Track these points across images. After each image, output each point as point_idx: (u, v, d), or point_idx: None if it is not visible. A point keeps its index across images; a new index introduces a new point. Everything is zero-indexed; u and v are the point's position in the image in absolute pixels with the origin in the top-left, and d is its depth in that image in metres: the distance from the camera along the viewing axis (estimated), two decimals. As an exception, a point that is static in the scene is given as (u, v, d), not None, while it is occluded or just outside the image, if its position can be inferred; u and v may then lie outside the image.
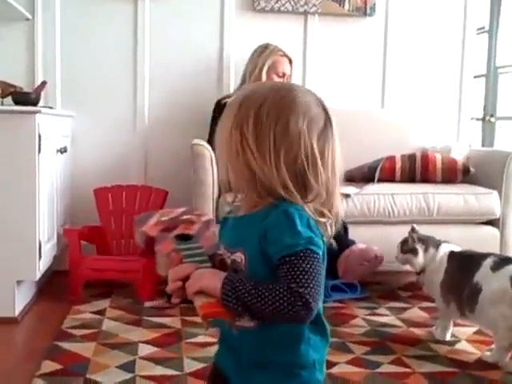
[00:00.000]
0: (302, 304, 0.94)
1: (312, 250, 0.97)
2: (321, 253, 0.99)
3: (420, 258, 2.45)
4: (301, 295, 0.94)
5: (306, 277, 0.95)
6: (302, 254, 0.97)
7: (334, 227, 1.07)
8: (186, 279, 1.02)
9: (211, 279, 0.99)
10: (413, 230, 2.50)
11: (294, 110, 1.03)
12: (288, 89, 1.07)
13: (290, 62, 3.28)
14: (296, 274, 0.95)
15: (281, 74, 3.23)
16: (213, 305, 0.98)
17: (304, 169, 1.02)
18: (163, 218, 1.17)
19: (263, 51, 3.24)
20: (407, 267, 2.79)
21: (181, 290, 1.04)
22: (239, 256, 1.04)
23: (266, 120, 1.03)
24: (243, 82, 3.25)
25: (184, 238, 1.12)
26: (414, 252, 2.45)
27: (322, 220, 1.05)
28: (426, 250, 2.44)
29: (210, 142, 2.97)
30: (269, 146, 1.02)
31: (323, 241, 1.02)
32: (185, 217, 1.18)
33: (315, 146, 1.04)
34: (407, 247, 2.48)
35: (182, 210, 1.21)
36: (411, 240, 2.47)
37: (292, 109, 1.03)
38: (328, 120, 1.07)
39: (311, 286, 0.95)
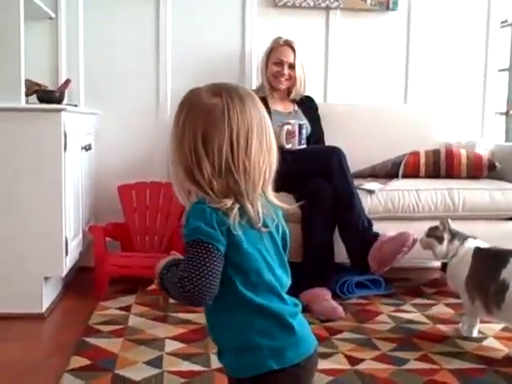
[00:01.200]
0: (180, 286, 1.06)
1: (196, 239, 1.06)
2: (209, 240, 1.06)
3: (443, 247, 2.44)
4: (180, 278, 1.06)
5: (187, 263, 1.06)
6: (190, 243, 1.07)
7: (251, 209, 1.12)
8: None
9: (161, 261, 1.17)
10: (446, 221, 2.48)
11: (182, 110, 1.16)
12: (191, 90, 1.21)
13: (294, 50, 3.19)
14: (184, 260, 1.08)
15: (277, 61, 3.17)
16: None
17: (190, 165, 1.12)
18: None
19: (269, 44, 3.24)
20: (432, 263, 2.79)
21: None
22: None
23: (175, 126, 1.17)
24: (262, 77, 3.26)
25: None
26: (440, 239, 2.45)
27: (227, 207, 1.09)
28: (450, 241, 2.42)
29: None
30: (174, 149, 1.16)
31: (225, 228, 1.08)
32: None
33: (198, 139, 1.11)
34: (434, 233, 2.47)
35: None
36: (442, 227, 2.45)
37: (181, 110, 1.16)
38: (225, 107, 1.12)
39: (189, 270, 1.05)
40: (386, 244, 2.62)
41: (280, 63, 3.17)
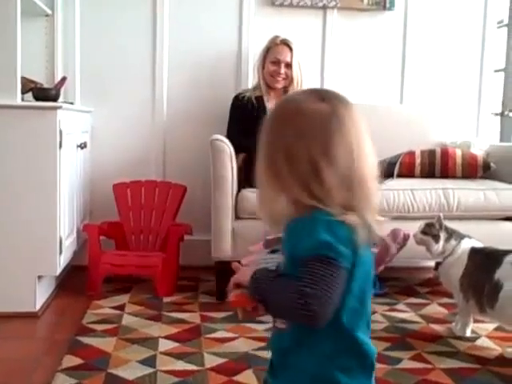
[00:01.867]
0: (302, 303, 0.94)
1: (327, 255, 0.96)
2: (341, 259, 0.96)
3: (439, 246, 2.44)
4: (302, 293, 0.94)
5: (314, 279, 0.95)
6: (316, 257, 0.96)
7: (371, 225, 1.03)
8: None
9: (247, 273, 1.05)
10: (441, 219, 2.48)
11: (287, 120, 1.04)
12: (289, 99, 1.12)
13: (291, 49, 3.17)
14: (306, 274, 0.95)
15: (275, 60, 3.15)
16: (240, 295, 1.06)
17: (307, 175, 1.01)
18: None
19: (266, 43, 3.23)
20: (426, 263, 2.80)
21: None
22: (281, 257, 1.07)
23: (278, 139, 1.04)
24: (259, 76, 3.25)
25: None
26: (436, 238, 2.44)
27: (351, 221, 1.00)
28: (447, 240, 2.42)
29: (228, 136, 2.97)
30: (283, 163, 1.03)
31: (352, 247, 0.99)
32: None
33: (317, 149, 1.01)
34: (430, 231, 2.47)
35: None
36: (438, 225, 2.45)
37: (285, 120, 1.05)
38: (338, 113, 1.03)
39: (317, 287, 0.94)
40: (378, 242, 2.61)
41: (277, 62, 3.16)
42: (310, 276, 0.95)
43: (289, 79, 3.19)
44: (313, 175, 1.00)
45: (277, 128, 1.05)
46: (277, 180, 1.04)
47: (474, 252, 2.35)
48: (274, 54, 3.17)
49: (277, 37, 3.21)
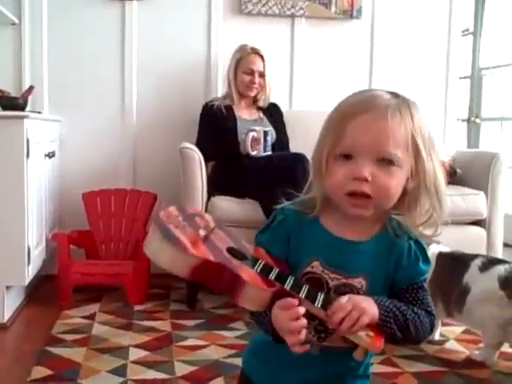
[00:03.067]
0: (433, 325, 1.04)
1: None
2: None
3: None
4: (434, 317, 1.04)
5: (431, 301, 1.05)
6: (427, 280, 1.06)
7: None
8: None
9: (369, 307, 0.95)
10: None
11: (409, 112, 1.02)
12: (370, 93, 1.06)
13: (262, 58, 3.18)
14: (428, 298, 1.05)
15: (248, 71, 3.15)
16: (378, 334, 0.95)
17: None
18: (201, 233, 0.98)
19: (235, 51, 3.21)
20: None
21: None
22: (360, 282, 1.02)
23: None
24: (228, 84, 3.24)
25: (236, 253, 0.99)
26: None
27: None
28: None
29: (198, 144, 2.98)
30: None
31: None
32: (197, 219, 1.03)
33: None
34: None
35: (175, 209, 1.03)
36: None
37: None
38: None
39: (434, 308, 1.06)
40: None
41: (251, 72, 3.16)
42: (430, 300, 1.06)
43: (261, 87, 3.20)
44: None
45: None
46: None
47: (441, 256, 2.38)
48: (247, 64, 3.16)
49: (245, 45, 3.21)
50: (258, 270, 0.96)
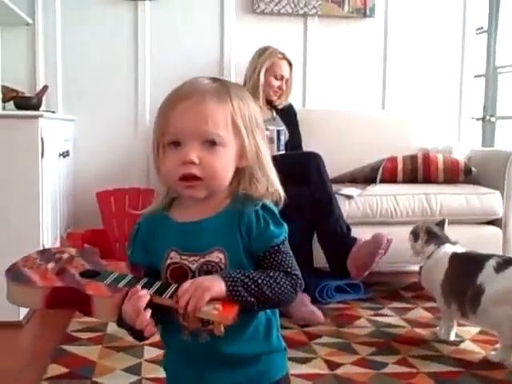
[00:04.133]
0: (300, 284, 1.05)
1: (286, 236, 1.08)
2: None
3: (417, 246, 2.50)
4: (298, 277, 1.05)
5: (292, 261, 1.06)
6: (285, 242, 1.07)
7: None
8: (147, 306, 0.98)
9: (212, 284, 0.99)
10: (441, 223, 2.52)
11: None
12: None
13: (290, 65, 3.22)
14: (287, 259, 1.05)
15: (279, 77, 3.18)
16: (229, 305, 0.98)
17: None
18: (49, 266, 1.06)
19: (262, 53, 3.20)
20: (411, 267, 2.81)
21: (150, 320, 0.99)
22: (217, 256, 1.05)
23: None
24: (244, 84, 3.24)
25: (90, 273, 1.06)
26: (416, 237, 2.50)
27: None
28: (427, 242, 2.46)
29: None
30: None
31: None
32: (57, 256, 1.10)
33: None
34: (415, 229, 2.52)
35: (36, 253, 1.12)
36: (421, 226, 2.50)
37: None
38: None
39: (297, 268, 1.06)
40: (362, 248, 2.64)
41: (281, 78, 3.19)
42: (290, 259, 1.06)
43: (282, 91, 3.21)
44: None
45: None
46: None
47: (454, 257, 2.36)
48: (279, 71, 3.17)
49: (275, 50, 3.20)
50: (109, 282, 1.03)
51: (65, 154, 2.99)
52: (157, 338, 2.31)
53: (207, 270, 1.05)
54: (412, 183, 3.11)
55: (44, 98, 3.05)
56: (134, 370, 2.04)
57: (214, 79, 1.12)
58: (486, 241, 2.92)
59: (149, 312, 0.98)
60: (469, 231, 2.95)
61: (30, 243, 2.50)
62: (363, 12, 3.59)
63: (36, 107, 2.82)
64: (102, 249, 3.15)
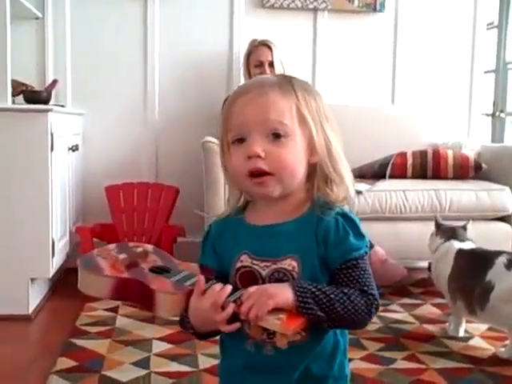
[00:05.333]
0: (375, 306, 0.96)
1: (367, 252, 1.00)
2: None
3: (430, 240, 2.51)
4: (374, 297, 0.97)
5: (370, 279, 0.98)
6: (364, 257, 0.99)
7: None
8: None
9: (278, 292, 0.93)
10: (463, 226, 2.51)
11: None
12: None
13: (270, 48, 3.20)
14: (365, 277, 0.98)
15: (258, 63, 3.19)
16: (295, 317, 0.92)
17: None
18: (121, 256, 1.06)
19: (246, 49, 3.27)
20: (419, 263, 2.81)
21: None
22: (290, 264, 0.99)
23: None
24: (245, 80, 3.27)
25: (159, 270, 1.04)
26: (432, 233, 2.51)
27: None
28: (436, 236, 2.47)
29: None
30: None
31: None
32: (132, 250, 1.10)
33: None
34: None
35: (114, 245, 1.12)
36: (435, 221, 2.51)
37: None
38: None
39: (375, 287, 0.98)
40: (377, 267, 2.64)
41: (260, 64, 3.19)
42: (369, 278, 0.98)
43: None
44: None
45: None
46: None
47: (460, 253, 2.35)
48: (257, 57, 3.20)
49: (255, 40, 3.25)
50: (176, 280, 1.01)
51: (74, 148, 3.00)
52: (165, 332, 2.33)
53: (278, 278, 0.99)
54: (421, 179, 3.09)
55: (53, 92, 3.05)
56: (143, 363, 2.05)
57: (277, 75, 1.08)
58: (496, 237, 2.90)
59: (232, 307, 0.93)
60: (478, 227, 2.91)
61: (39, 237, 2.52)
62: (373, 7, 3.57)
63: (45, 101, 2.82)
64: (110, 243, 3.15)
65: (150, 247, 1.12)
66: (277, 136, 0.98)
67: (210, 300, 0.94)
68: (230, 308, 0.92)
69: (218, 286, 0.95)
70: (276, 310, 0.91)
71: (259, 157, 0.97)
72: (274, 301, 0.91)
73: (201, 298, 0.95)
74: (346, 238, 0.98)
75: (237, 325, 0.94)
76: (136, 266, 1.04)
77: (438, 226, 2.49)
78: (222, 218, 1.09)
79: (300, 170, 1.01)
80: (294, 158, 0.99)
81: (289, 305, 0.92)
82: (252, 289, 0.94)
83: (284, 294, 0.92)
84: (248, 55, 3.24)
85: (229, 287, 0.95)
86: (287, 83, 1.02)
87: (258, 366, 1.01)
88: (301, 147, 1.00)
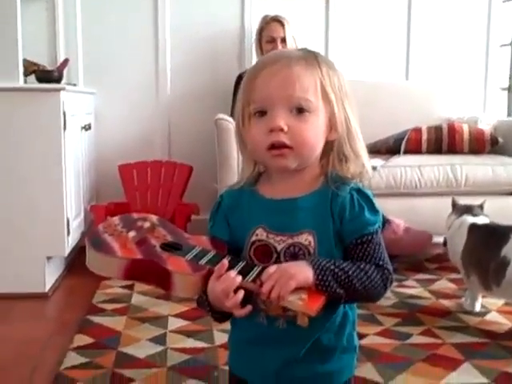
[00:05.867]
0: (390, 280, 0.98)
1: (381, 226, 1.01)
2: None
3: (446, 220, 2.48)
4: (389, 271, 0.98)
5: (384, 254, 0.99)
6: (379, 232, 1.00)
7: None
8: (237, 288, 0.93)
9: (299, 271, 0.92)
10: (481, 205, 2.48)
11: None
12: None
13: (282, 24, 3.19)
14: (379, 251, 0.99)
15: (270, 39, 3.18)
16: (316, 295, 0.92)
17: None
18: (130, 234, 1.03)
19: (258, 25, 3.26)
20: (435, 239, 2.79)
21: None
22: (306, 238, 0.99)
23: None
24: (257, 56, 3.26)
25: (171, 246, 1.02)
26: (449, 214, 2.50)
27: None
28: (451, 213, 2.44)
29: (233, 115, 2.96)
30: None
31: None
32: (138, 224, 1.07)
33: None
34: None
35: (118, 218, 1.09)
36: (452, 201, 2.49)
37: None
38: None
39: (389, 262, 0.99)
40: (402, 237, 2.64)
41: (272, 40, 3.18)
42: (383, 252, 1.00)
43: None
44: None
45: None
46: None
47: (473, 228, 2.32)
48: (268, 33, 3.19)
49: (266, 16, 3.24)
50: (191, 257, 0.99)
51: (87, 127, 3.00)
52: (181, 308, 2.34)
53: (293, 252, 0.99)
54: (437, 154, 3.06)
55: (65, 72, 3.04)
56: (160, 340, 2.06)
57: (301, 48, 1.04)
58: (512, 212, 2.87)
59: (241, 293, 0.92)
60: (494, 202, 2.88)
61: (54, 216, 2.53)
62: (387, -20, 3.51)
63: (57, 80, 2.81)
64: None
65: (155, 218, 1.10)
66: (300, 111, 0.98)
67: (221, 286, 0.93)
68: (240, 293, 0.92)
69: (232, 273, 0.94)
70: (296, 289, 0.91)
71: (281, 130, 0.96)
72: (295, 281, 0.91)
73: (216, 283, 0.94)
74: (361, 213, 0.98)
75: (248, 308, 0.94)
76: (146, 243, 1.02)
77: (454, 205, 2.47)
78: (234, 188, 1.08)
79: (319, 146, 1.01)
80: (315, 134, 0.99)
81: (308, 283, 0.92)
82: (272, 268, 0.93)
83: (304, 272, 0.92)
84: (260, 31, 3.22)
85: (238, 278, 0.93)
86: (313, 58, 1.01)
87: (269, 338, 1.02)
88: (322, 123, 1.00)
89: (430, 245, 2.79)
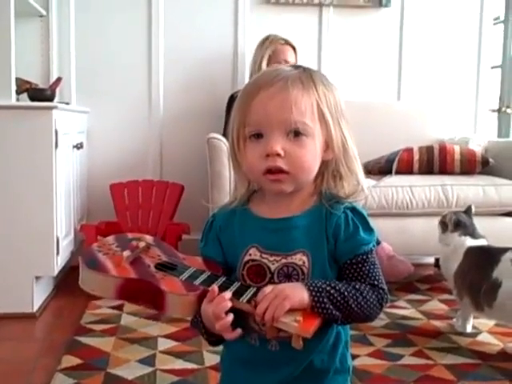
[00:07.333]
0: (386, 300, 0.97)
1: (375, 245, 1.00)
2: None
3: (440, 234, 2.46)
4: (384, 291, 0.97)
5: (379, 273, 0.98)
6: (373, 251, 0.99)
7: None
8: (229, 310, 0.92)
9: (294, 292, 0.91)
10: (468, 210, 2.48)
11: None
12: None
13: (294, 49, 3.19)
14: (374, 271, 0.98)
15: (282, 63, 3.13)
16: (311, 317, 0.91)
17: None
18: (125, 254, 1.02)
19: (264, 42, 3.19)
20: (426, 259, 2.79)
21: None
22: (300, 258, 0.98)
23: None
24: (251, 76, 3.23)
25: (165, 266, 1.01)
26: (442, 225, 2.46)
27: None
28: (452, 231, 2.41)
29: (225, 135, 2.96)
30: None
31: None
32: (133, 243, 1.06)
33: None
34: (443, 219, 2.47)
35: (113, 238, 1.09)
36: (449, 216, 2.45)
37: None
38: None
39: (384, 281, 0.98)
40: (383, 264, 2.62)
41: (285, 64, 3.15)
42: (378, 272, 0.98)
43: None
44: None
45: None
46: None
47: (470, 251, 2.32)
48: (281, 56, 3.15)
49: (275, 36, 3.20)
50: (185, 278, 0.98)
51: (78, 146, 2.99)
52: (171, 329, 2.31)
53: (287, 272, 0.98)
54: (428, 174, 3.07)
55: (58, 90, 3.04)
56: (149, 361, 2.04)
57: (296, 66, 1.02)
58: (504, 233, 2.87)
59: (231, 316, 0.91)
60: (486, 223, 2.89)
61: (43, 235, 2.51)
62: (379, 1, 3.54)
63: (50, 99, 2.81)
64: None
65: (150, 239, 1.10)
66: (297, 134, 0.97)
67: (212, 307, 0.92)
68: (230, 316, 0.91)
69: (226, 294, 0.92)
70: (291, 310, 0.90)
71: (278, 155, 0.95)
72: (289, 302, 0.90)
73: (207, 305, 0.93)
74: (356, 233, 0.98)
75: (238, 332, 0.92)
76: (140, 263, 1.01)
77: (456, 222, 2.44)
78: (226, 208, 1.07)
79: (315, 169, 1.01)
80: (312, 157, 0.99)
81: (304, 305, 0.91)
82: (267, 289, 0.92)
83: (299, 294, 0.91)
84: (271, 52, 3.15)
85: (229, 301, 0.92)
86: (309, 78, 0.99)
87: (262, 360, 1.01)
88: (318, 145, 0.99)
89: (408, 276, 2.77)
